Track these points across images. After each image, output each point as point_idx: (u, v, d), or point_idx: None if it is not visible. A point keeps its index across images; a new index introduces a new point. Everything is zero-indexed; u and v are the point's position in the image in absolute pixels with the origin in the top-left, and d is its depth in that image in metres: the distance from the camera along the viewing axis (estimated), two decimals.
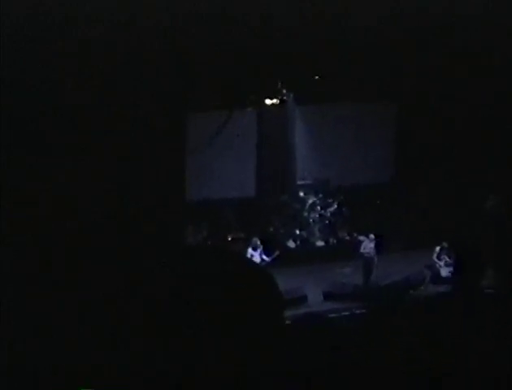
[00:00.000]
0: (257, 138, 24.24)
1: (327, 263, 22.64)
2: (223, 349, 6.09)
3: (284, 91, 23.56)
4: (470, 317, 7.76)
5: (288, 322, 7.94)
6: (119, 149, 20.28)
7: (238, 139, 23.50)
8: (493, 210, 23.17)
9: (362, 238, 21.97)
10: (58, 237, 15.23)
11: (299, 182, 24.72)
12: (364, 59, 21.96)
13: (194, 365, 6.10)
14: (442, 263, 21.77)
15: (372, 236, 21.60)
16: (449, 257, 21.67)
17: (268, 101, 23.60)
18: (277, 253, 21.46)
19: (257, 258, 20.98)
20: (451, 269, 21.57)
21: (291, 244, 24.02)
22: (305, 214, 24.51)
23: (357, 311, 18.43)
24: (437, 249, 21.92)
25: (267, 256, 21.27)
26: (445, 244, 21.87)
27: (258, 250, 21.21)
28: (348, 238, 24.23)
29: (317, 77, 23.13)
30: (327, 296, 20.67)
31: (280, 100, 23.63)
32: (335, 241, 24.40)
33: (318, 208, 24.57)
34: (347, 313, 17.57)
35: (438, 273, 21.70)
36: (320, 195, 24.67)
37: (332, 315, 17.25)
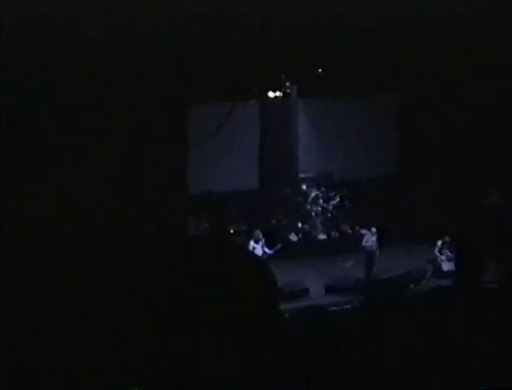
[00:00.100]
0: (259, 131, 24.23)
1: (329, 256, 22.66)
2: (219, 341, 6.09)
3: (287, 84, 23.55)
4: (472, 311, 7.75)
5: (288, 314, 7.94)
6: (121, 142, 20.28)
7: (241, 131, 23.50)
8: (495, 204, 23.17)
9: (364, 232, 21.98)
10: (59, 236, 15.22)
11: (302, 175, 24.72)
12: (367, 52, 21.92)
13: (191, 356, 6.11)
14: (444, 257, 21.79)
15: (374, 229, 21.61)
16: (451, 252, 21.68)
17: (271, 94, 23.59)
18: (279, 245, 21.49)
19: (259, 251, 21.00)
20: (453, 263, 21.58)
21: (293, 237, 24.04)
22: (308, 207, 24.52)
23: (359, 305, 18.43)
24: (439, 243, 21.94)
25: (269, 249, 21.29)
26: (447, 239, 21.89)
27: (260, 243, 21.23)
28: (350, 231, 24.26)
29: (320, 70, 23.12)
30: (329, 290, 20.68)
31: (283, 93, 23.63)
32: (337, 235, 24.41)
33: (321, 201, 24.58)
34: (349, 306, 17.55)
35: (440, 267, 21.72)
36: (323, 188, 24.67)
37: (334, 308, 17.23)
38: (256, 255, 19.02)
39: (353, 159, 24.53)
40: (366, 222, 22.85)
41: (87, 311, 6.29)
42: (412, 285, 20.56)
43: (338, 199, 24.67)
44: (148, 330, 6.07)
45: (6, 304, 6.59)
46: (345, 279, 21.08)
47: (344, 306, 17.97)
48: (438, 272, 21.59)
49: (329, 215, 24.56)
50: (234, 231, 23.27)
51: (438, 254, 21.83)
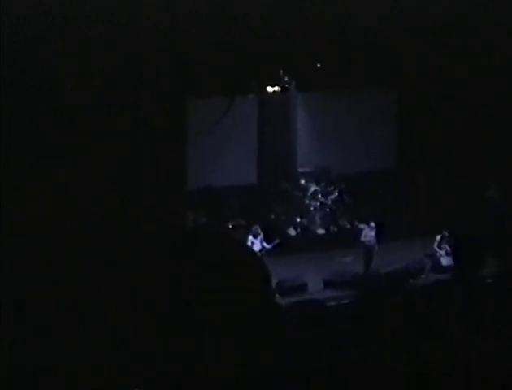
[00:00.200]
0: (258, 125, 24.21)
1: (327, 251, 22.65)
2: (216, 334, 6.10)
3: (286, 78, 23.52)
4: (470, 306, 7.76)
5: (286, 308, 7.95)
6: (120, 137, 20.27)
7: (240, 126, 23.47)
8: (494, 199, 23.18)
9: (362, 226, 21.98)
10: (58, 236, 15.22)
11: (300, 170, 24.69)
12: (366, 48, 21.90)
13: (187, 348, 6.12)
14: (443, 252, 21.79)
15: (373, 224, 21.62)
16: (450, 246, 21.69)
17: (270, 89, 23.55)
18: (277, 240, 21.49)
19: (257, 246, 21.02)
20: (451, 258, 21.60)
21: (292, 231, 24.02)
22: (307, 201, 24.49)
23: (358, 299, 18.43)
24: (438, 237, 21.94)
25: (268, 243, 21.30)
26: (446, 233, 21.89)
27: (259, 238, 21.24)
28: (348, 226, 24.23)
29: (319, 65, 23.09)
30: (328, 284, 20.68)
31: (282, 87, 23.58)
32: (335, 229, 24.39)
33: (320, 196, 24.56)
34: (347, 301, 17.55)
35: (438, 262, 21.72)
36: (321, 183, 24.65)
37: (332, 303, 17.24)
38: (251, 250, 19.08)
39: (352, 154, 24.51)
40: (364, 216, 22.84)
41: (86, 310, 6.29)
42: (411, 280, 20.56)
43: (337, 194, 24.64)
44: (147, 325, 6.08)
45: (6, 304, 6.59)
46: (344, 273, 21.07)
47: (343, 301, 17.99)
48: (437, 267, 21.59)
49: (328, 210, 24.53)
50: (233, 226, 23.25)
51: (437, 249, 21.83)
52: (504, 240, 20.43)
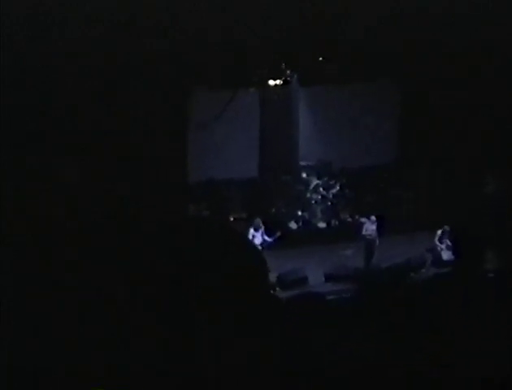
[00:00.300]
0: (260, 119, 24.19)
1: (328, 245, 22.66)
2: (215, 327, 6.11)
3: (288, 72, 23.49)
4: (471, 300, 7.77)
5: (286, 301, 7.96)
6: (122, 130, 20.26)
7: (241, 119, 23.47)
8: (495, 194, 23.16)
9: (363, 220, 21.98)
10: (58, 234, 15.20)
11: (302, 163, 24.69)
12: (368, 40, 21.86)
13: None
14: (444, 246, 21.80)
15: (374, 218, 21.61)
16: (451, 241, 21.70)
17: (272, 82, 23.53)
18: (279, 233, 21.50)
19: (258, 239, 21.03)
20: (452, 252, 21.61)
21: (293, 225, 24.03)
22: (308, 195, 24.50)
23: (358, 293, 18.45)
24: (439, 232, 21.94)
25: (269, 237, 21.31)
26: (447, 228, 21.90)
27: (260, 231, 21.25)
28: (350, 220, 24.23)
29: (321, 58, 23.06)
30: (329, 278, 20.70)
31: (284, 81, 23.55)
32: (337, 223, 24.39)
33: (321, 189, 24.56)
34: (348, 294, 17.57)
35: (439, 256, 21.73)
36: (323, 176, 24.65)
37: (333, 297, 17.26)
38: (251, 244, 19.09)
39: (354, 147, 24.49)
40: (365, 210, 22.85)
41: (86, 308, 6.29)
42: (412, 274, 20.58)
43: (338, 187, 24.63)
44: (146, 319, 6.09)
45: (6, 304, 6.59)
46: (345, 267, 21.09)
47: (344, 295, 18.01)
48: (438, 261, 21.60)
49: (329, 204, 24.54)
50: (234, 219, 23.26)
51: (438, 243, 21.84)
52: (504, 234, 20.42)
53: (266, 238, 21.23)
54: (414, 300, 7.88)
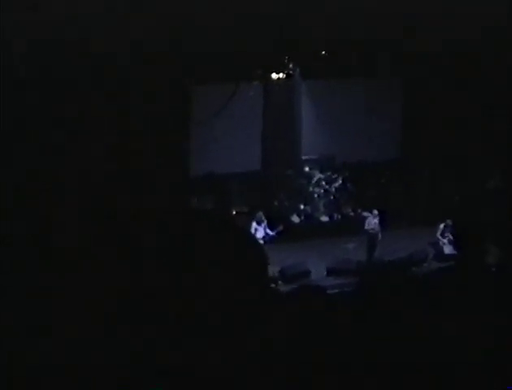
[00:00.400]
0: (262, 112, 24.18)
1: (331, 239, 22.69)
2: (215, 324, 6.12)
3: (291, 65, 23.47)
4: (472, 294, 7.77)
5: (287, 295, 7.97)
6: (124, 124, 20.26)
7: (244, 113, 23.46)
8: (497, 188, 23.17)
9: (366, 214, 21.99)
10: (58, 231, 15.19)
11: (304, 157, 24.70)
12: (370, 35, 21.84)
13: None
14: (446, 241, 21.82)
15: (376, 212, 21.61)
16: (453, 235, 21.70)
17: (274, 76, 23.52)
18: (281, 227, 21.52)
19: (261, 232, 21.05)
20: (454, 247, 21.62)
21: (295, 218, 24.05)
22: (310, 189, 24.51)
23: (360, 287, 18.43)
24: (441, 226, 21.96)
25: (271, 230, 21.33)
26: (449, 222, 21.91)
27: (263, 224, 21.27)
28: (352, 214, 24.25)
29: (324, 52, 23.04)
30: (331, 272, 20.72)
31: (286, 74, 23.55)
32: (339, 217, 24.42)
33: (323, 183, 24.57)
34: (350, 288, 17.56)
35: (441, 250, 21.75)
36: (325, 170, 24.65)
37: (335, 290, 17.27)
38: (253, 237, 19.07)
39: (356, 142, 24.49)
40: (368, 204, 22.86)
41: (87, 307, 6.30)
42: (414, 268, 20.59)
43: (341, 181, 24.65)
44: (145, 312, 6.11)
45: (6, 304, 6.60)
46: (347, 261, 21.11)
47: (346, 288, 18.02)
48: (440, 255, 21.62)
49: (331, 197, 24.56)
50: (236, 213, 23.28)
51: (440, 237, 21.86)
52: (506, 229, 20.42)
53: (269, 232, 21.26)
54: (416, 294, 7.87)
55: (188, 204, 22.39)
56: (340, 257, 21.41)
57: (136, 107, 20.53)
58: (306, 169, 24.65)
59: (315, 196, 24.45)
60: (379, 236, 21.49)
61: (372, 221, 21.58)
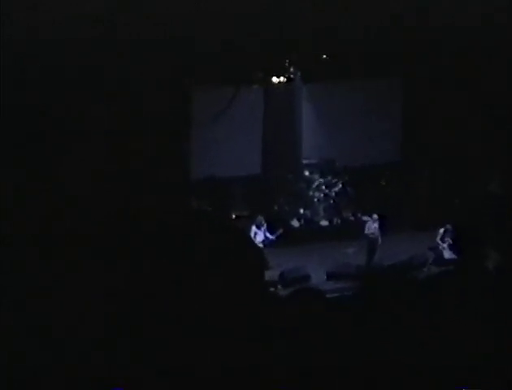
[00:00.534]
0: (263, 116, 24.17)
1: (330, 243, 22.67)
2: (213, 324, 6.12)
3: (291, 69, 23.48)
4: (472, 299, 7.77)
5: (286, 299, 7.97)
6: (124, 126, 20.25)
7: (244, 116, 23.45)
8: (497, 192, 23.15)
9: (365, 218, 21.97)
10: (58, 220, 15.19)
11: (304, 161, 24.68)
12: (371, 38, 21.84)
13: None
14: (445, 245, 21.80)
15: (376, 216, 21.59)
16: (453, 240, 21.69)
17: (275, 79, 23.53)
18: (281, 231, 21.50)
19: (261, 236, 21.04)
20: (454, 251, 21.60)
21: (295, 223, 24.03)
22: (310, 193, 24.50)
23: (360, 291, 18.42)
24: (441, 231, 21.94)
25: (271, 234, 21.32)
26: (449, 227, 21.89)
27: (262, 228, 21.25)
28: (352, 218, 24.23)
29: (324, 56, 23.05)
30: (331, 276, 20.69)
31: (287, 78, 23.56)
32: (339, 221, 24.39)
33: (323, 187, 24.56)
34: (350, 293, 17.55)
35: (441, 255, 21.73)
36: (325, 174, 24.64)
37: (335, 295, 17.25)
38: (252, 241, 19.08)
39: (357, 146, 24.48)
40: (368, 209, 22.85)
41: (87, 307, 6.29)
42: (413, 272, 20.55)
43: (341, 186, 24.63)
44: (145, 315, 6.10)
45: (6, 304, 6.58)
46: (347, 265, 21.09)
47: (346, 293, 17.99)
48: (439, 260, 21.60)
49: (331, 202, 24.53)
50: (236, 217, 23.27)
51: (440, 242, 21.83)
52: (506, 233, 20.41)
53: (269, 235, 21.25)
54: (416, 298, 7.88)
55: (188, 207, 22.38)
56: (340, 262, 21.38)
57: (137, 110, 20.52)
58: (306, 173, 24.64)
59: (315, 200, 24.43)
60: (379, 240, 21.46)
61: (372, 225, 21.56)
